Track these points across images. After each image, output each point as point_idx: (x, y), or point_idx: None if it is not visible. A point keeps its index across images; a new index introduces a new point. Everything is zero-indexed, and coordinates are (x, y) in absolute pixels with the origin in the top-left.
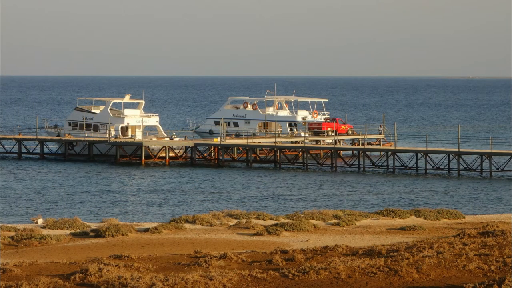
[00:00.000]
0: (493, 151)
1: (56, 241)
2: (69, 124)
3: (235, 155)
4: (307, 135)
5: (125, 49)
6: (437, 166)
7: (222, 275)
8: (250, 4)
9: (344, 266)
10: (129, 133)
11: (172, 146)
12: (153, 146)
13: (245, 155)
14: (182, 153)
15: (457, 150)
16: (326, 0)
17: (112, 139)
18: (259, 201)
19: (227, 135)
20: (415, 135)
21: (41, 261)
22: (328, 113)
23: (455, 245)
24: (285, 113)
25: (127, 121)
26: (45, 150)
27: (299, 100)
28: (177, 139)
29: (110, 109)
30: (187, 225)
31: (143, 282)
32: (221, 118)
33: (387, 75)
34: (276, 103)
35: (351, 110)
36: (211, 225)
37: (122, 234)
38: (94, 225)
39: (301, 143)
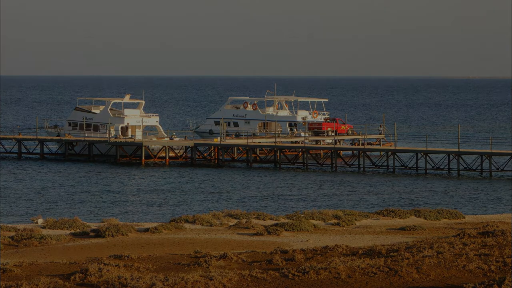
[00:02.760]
0: (493, 151)
1: (56, 241)
2: (69, 124)
3: (235, 155)
4: (307, 135)
5: (125, 49)
6: (437, 166)
7: (222, 275)
8: (250, 4)
9: (344, 266)
10: (129, 133)
11: (172, 146)
12: (153, 146)
13: (245, 155)
14: (182, 153)
15: (457, 150)
16: (326, 0)
17: (112, 139)
18: (259, 201)
19: (227, 135)
20: (415, 135)
21: (41, 261)
22: (328, 113)
23: (455, 245)
24: (285, 113)
25: (127, 121)
26: (45, 150)
27: (299, 100)
28: (177, 139)
29: (110, 109)
30: (187, 225)
31: (143, 282)
32: (221, 118)
33: (387, 75)
34: (276, 103)
35: (351, 110)
36: (211, 225)
37: (122, 234)
38: (94, 225)
39: (301, 143)
